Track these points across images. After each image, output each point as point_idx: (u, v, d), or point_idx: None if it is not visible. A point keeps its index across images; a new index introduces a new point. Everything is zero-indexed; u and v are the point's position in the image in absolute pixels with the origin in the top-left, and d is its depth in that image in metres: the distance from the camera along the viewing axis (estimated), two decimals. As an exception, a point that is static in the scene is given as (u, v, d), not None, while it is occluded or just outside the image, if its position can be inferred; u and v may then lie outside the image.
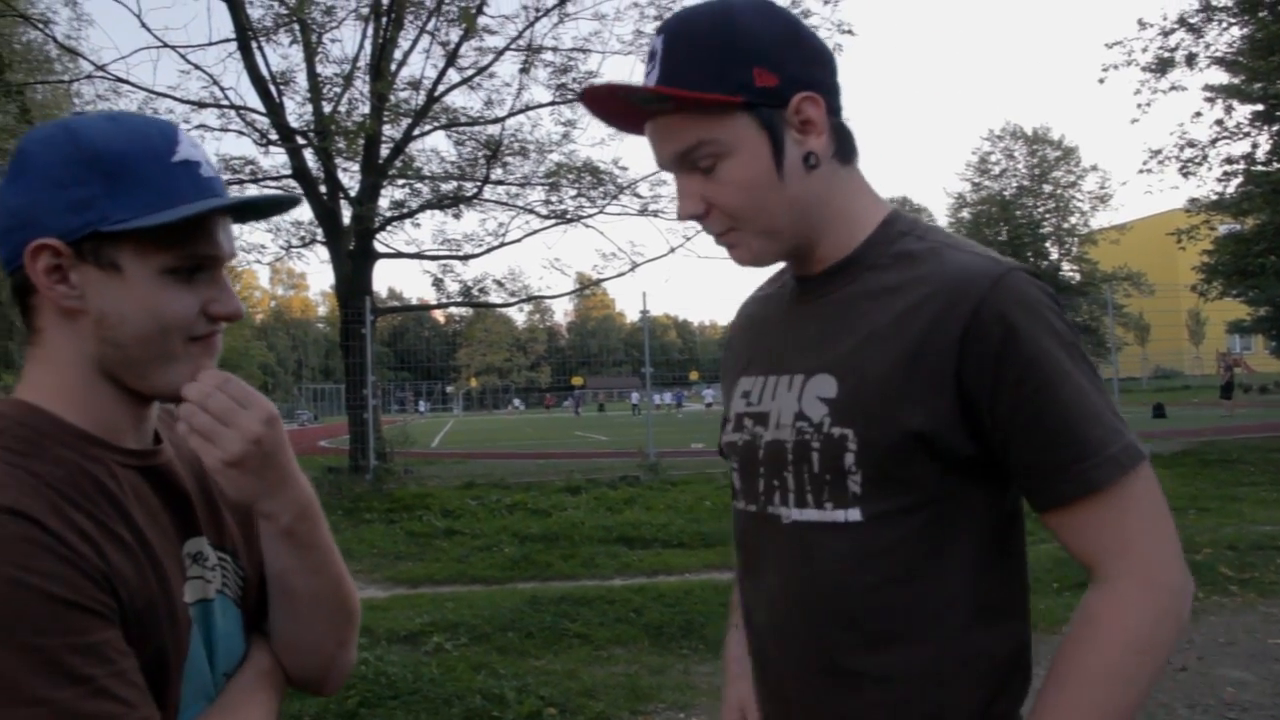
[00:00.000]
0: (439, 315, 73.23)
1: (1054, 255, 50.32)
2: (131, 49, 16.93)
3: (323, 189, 13.93)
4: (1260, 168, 17.66)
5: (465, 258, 16.28)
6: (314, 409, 55.23)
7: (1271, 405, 28.15)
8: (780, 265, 1.28)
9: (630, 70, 15.30)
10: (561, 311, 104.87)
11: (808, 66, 1.10)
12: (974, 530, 1.10)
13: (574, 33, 32.71)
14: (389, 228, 15.47)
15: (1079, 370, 1.05)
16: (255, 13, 13.47)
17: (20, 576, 0.79)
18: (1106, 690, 1.01)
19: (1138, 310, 38.86)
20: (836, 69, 1.16)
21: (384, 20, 13.63)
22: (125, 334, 0.93)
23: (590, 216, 15.92)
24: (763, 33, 1.08)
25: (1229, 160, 18.34)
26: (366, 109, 13.79)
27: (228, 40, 13.34)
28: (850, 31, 14.36)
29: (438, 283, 16.60)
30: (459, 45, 14.48)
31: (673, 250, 16.08)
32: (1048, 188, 49.56)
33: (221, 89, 13.76)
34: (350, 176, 14.50)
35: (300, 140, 13.58)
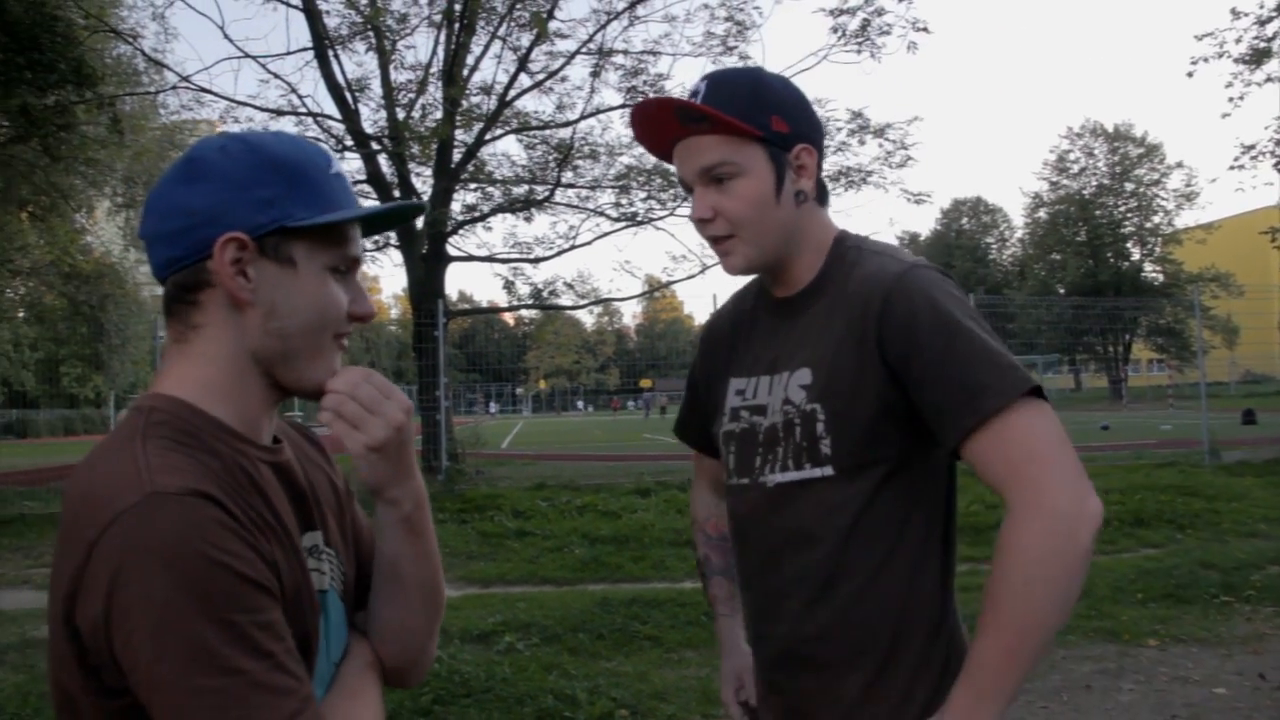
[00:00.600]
0: (509, 318, 74.03)
1: (1135, 256, 48.88)
2: (214, 60, 17.43)
3: (396, 194, 14.16)
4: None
5: (536, 260, 16.42)
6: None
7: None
8: (737, 288, 1.65)
9: (701, 72, 15.24)
10: (630, 314, 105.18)
11: (810, 129, 1.43)
12: (922, 488, 1.37)
13: (644, 35, 32.77)
14: (461, 231, 15.69)
15: (973, 326, 1.27)
16: (332, 22, 13.80)
17: (215, 555, 0.84)
18: (1012, 606, 1.15)
19: (1226, 312, 37.40)
20: (824, 140, 1.49)
21: (456, 27, 13.82)
22: (293, 324, 1.01)
23: (660, 219, 15.91)
24: (782, 94, 1.41)
25: (1328, 155, 17.54)
26: (439, 114, 13.97)
27: (305, 49, 13.69)
28: (926, 29, 14.09)
29: (508, 285, 16.72)
30: (530, 50, 14.61)
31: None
32: (1129, 186, 48.15)
33: (299, 97, 14.10)
34: (423, 181, 14.75)
35: (375, 146, 13.85)
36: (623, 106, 15.36)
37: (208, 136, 1.06)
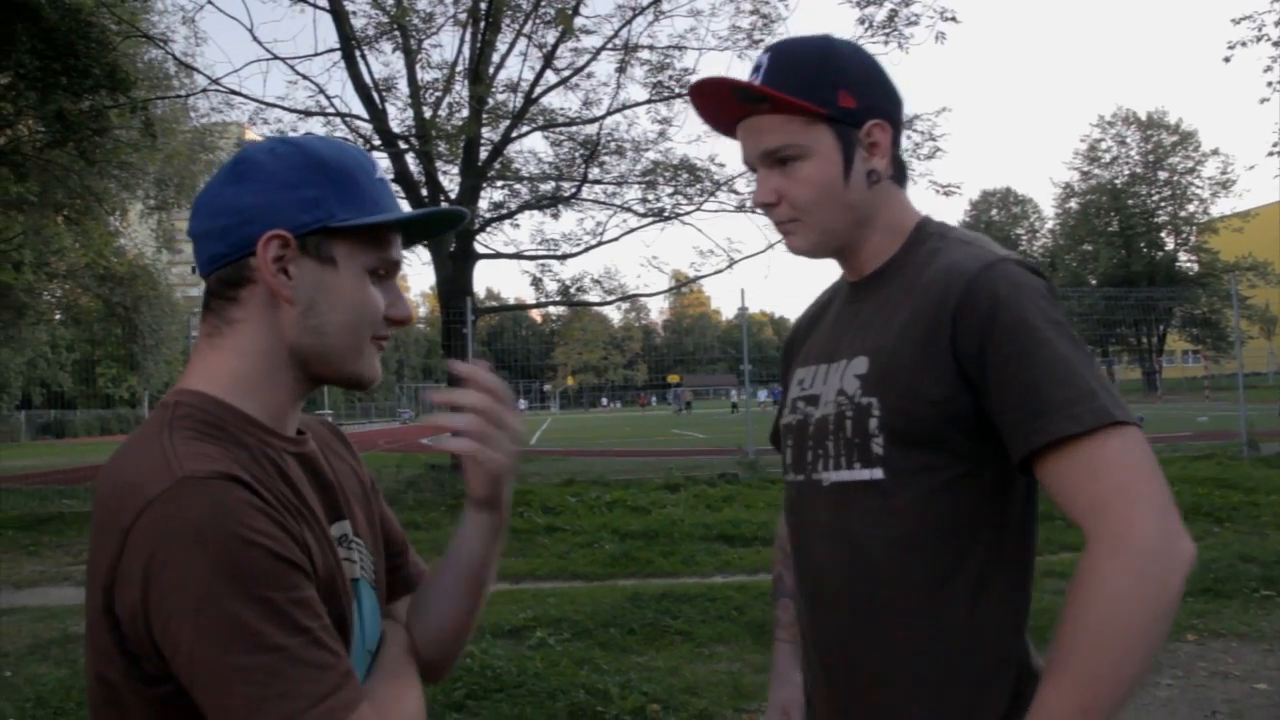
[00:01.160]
0: (536, 315, 74.29)
1: (1169, 245, 48.19)
2: (243, 62, 17.59)
3: (424, 192, 14.24)
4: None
5: (563, 257, 16.42)
6: (415, 408, 56.67)
7: None
8: (830, 281, 1.54)
9: (727, 65, 15.22)
10: (657, 310, 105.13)
11: (883, 101, 1.31)
12: (984, 499, 1.22)
13: (669, 30, 32.75)
14: (488, 229, 15.75)
15: (1060, 340, 1.13)
16: (358, 22, 13.89)
17: (248, 535, 0.86)
18: (1087, 654, 1.02)
19: (1264, 301, 36.84)
20: (903, 111, 1.36)
21: (481, 24, 13.86)
22: (331, 322, 1.02)
23: (687, 214, 15.86)
24: (851, 65, 1.29)
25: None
26: (466, 112, 14.03)
27: (333, 50, 13.78)
28: (954, 19, 13.93)
29: (536, 282, 16.73)
30: (555, 47, 14.63)
31: (771, 246, 15.89)
32: (1163, 175, 47.47)
33: (327, 97, 14.27)
34: (450, 179, 14.80)
35: (402, 145, 13.92)
36: (649, 102, 15.36)
37: (257, 140, 1.09)
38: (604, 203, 16.24)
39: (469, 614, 1.18)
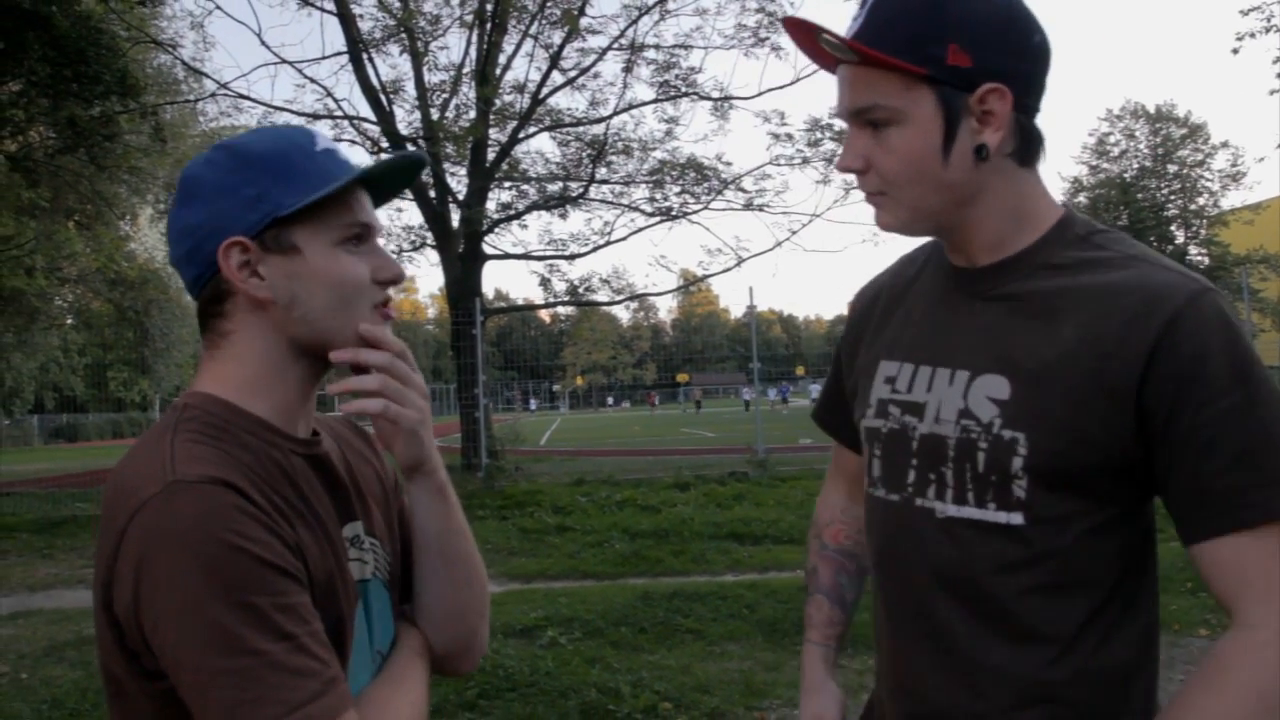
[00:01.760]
0: (545, 315, 74.37)
1: (1180, 239, 47.99)
2: (251, 66, 17.68)
3: (432, 193, 14.29)
4: None
5: (571, 257, 16.46)
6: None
7: None
8: (915, 244, 1.31)
9: (734, 62, 15.21)
10: (665, 309, 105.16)
11: (1010, 58, 1.05)
12: (1126, 543, 1.09)
13: (675, 29, 32.69)
14: (496, 229, 15.78)
15: (1265, 403, 0.99)
16: (366, 25, 13.94)
17: (234, 540, 0.87)
18: None
19: (1276, 294, 36.58)
20: (1047, 68, 1.10)
21: (488, 26, 13.90)
22: (316, 308, 1.02)
23: (695, 212, 15.90)
24: (972, 11, 1.04)
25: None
26: (473, 114, 14.08)
27: (340, 53, 13.85)
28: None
29: (545, 282, 16.81)
30: (562, 47, 14.67)
31: (779, 244, 15.90)
32: (1172, 168, 47.22)
33: (335, 100, 14.30)
34: (458, 180, 14.86)
35: (410, 146, 13.96)
36: (654, 101, 15.39)
37: (197, 155, 1.09)
38: (611, 202, 16.29)
39: (455, 589, 1.15)
